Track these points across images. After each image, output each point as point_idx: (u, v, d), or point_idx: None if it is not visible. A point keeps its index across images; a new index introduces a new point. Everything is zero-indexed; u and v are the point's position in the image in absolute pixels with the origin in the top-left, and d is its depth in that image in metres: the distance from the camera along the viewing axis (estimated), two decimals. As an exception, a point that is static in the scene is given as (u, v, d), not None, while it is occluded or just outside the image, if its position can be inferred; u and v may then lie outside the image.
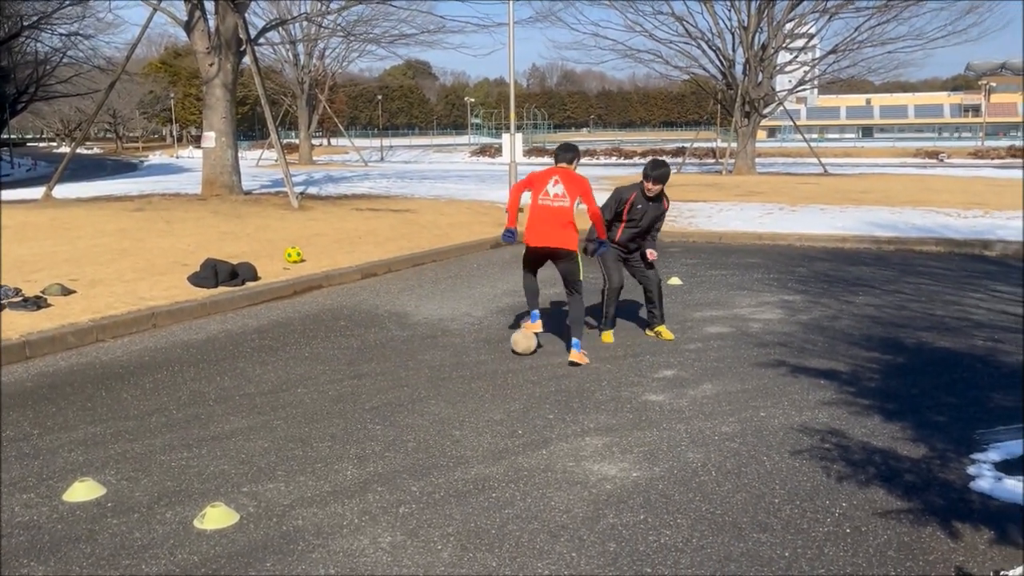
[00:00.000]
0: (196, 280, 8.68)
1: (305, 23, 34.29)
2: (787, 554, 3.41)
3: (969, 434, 4.69)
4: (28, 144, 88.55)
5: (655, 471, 4.24)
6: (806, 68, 33.02)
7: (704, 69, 31.57)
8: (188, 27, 18.22)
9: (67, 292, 8.03)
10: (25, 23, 29.13)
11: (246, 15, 18.73)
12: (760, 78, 29.88)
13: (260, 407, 5.24)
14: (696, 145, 42.41)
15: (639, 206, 6.76)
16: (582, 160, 6.79)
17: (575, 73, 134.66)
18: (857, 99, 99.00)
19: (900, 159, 42.69)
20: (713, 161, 39.85)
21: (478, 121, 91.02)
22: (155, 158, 57.59)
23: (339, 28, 30.37)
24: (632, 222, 6.81)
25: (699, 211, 16.46)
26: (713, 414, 5.08)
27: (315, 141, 54.49)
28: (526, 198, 6.48)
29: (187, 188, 22.09)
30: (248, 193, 19.72)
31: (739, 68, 30.39)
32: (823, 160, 33.14)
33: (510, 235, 6.61)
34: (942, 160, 41.11)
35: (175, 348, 6.75)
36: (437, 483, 4.10)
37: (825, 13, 29.72)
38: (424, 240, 12.43)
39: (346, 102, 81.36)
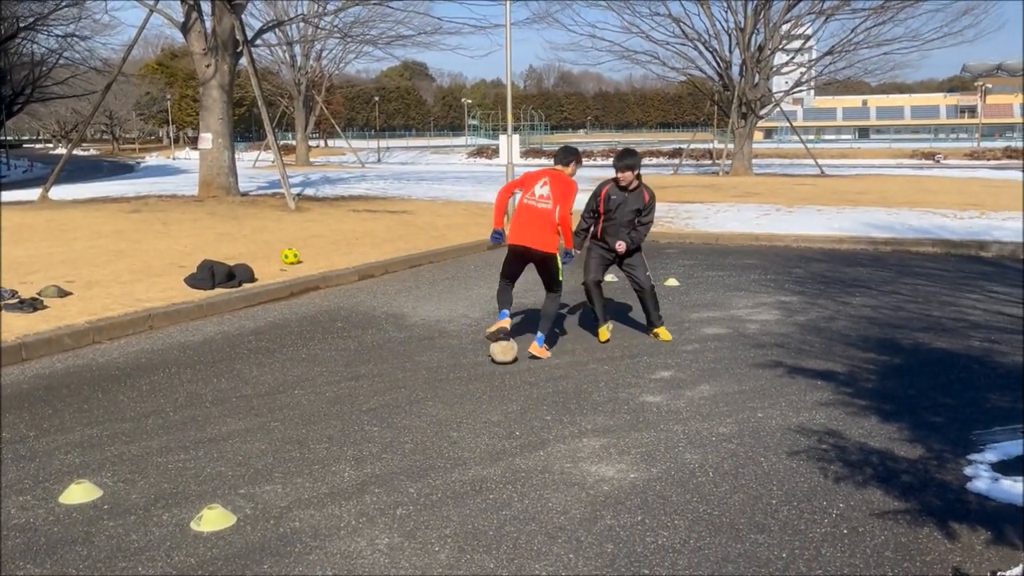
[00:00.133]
0: (193, 282, 8.67)
1: (302, 24, 34.31)
2: (784, 555, 3.41)
3: (966, 435, 4.69)
4: (24, 146, 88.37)
5: (652, 472, 4.24)
6: (802, 69, 33.10)
7: (701, 70, 31.64)
8: (185, 28, 18.20)
9: (63, 294, 8.02)
10: (21, 24, 29.07)
11: (243, 16, 18.72)
12: (757, 79, 29.94)
13: (257, 409, 5.23)
14: (693, 146, 42.46)
15: (613, 197, 6.79)
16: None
17: (572, 74, 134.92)
18: (853, 100, 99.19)
19: (896, 160, 42.81)
20: (710, 162, 39.93)
21: (475, 122, 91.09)
22: (151, 159, 57.57)
23: (336, 29, 30.36)
24: (608, 214, 6.82)
25: (696, 212, 16.48)
26: (710, 415, 5.08)
27: (312, 142, 54.44)
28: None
29: (184, 189, 22.07)
30: (245, 194, 19.69)
31: (736, 69, 30.46)
32: (820, 161, 33.23)
33: (497, 236, 6.63)
34: (938, 161, 41.22)
35: (172, 350, 6.74)
36: (435, 484, 4.09)
37: (821, 14, 29.79)
38: (421, 241, 12.43)
39: (343, 103, 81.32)
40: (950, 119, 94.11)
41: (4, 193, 20.67)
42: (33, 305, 7.45)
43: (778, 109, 32.95)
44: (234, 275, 8.85)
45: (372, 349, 6.70)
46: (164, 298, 8.09)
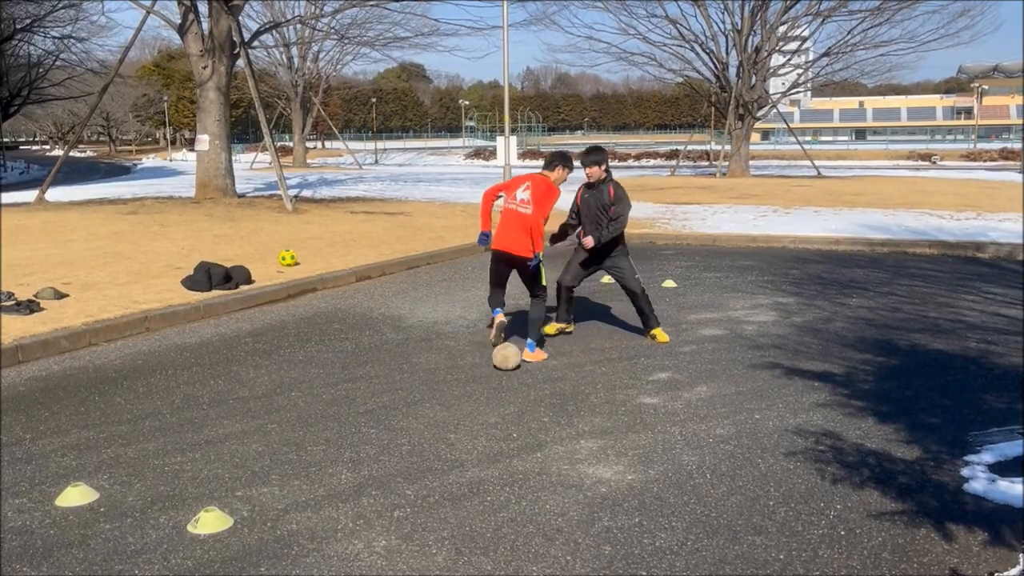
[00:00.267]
0: (190, 283, 8.66)
1: (299, 26, 34.30)
2: (782, 556, 3.41)
3: (963, 436, 4.70)
4: (21, 147, 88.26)
5: (650, 474, 4.24)
6: (799, 71, 33.12)
7: (698, 72, 31.63)
8: (181, 30, 18.19)
9: (60, 296, 8.00)
10: (18, 26, 29.05)
11: (240, 18, 18.70)
12: (753, 81, 29.96)
13: (254, 411, 5.23)
14: (690, 148, 42.48)
15: (586, 195, 6.90)
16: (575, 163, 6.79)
17: (569, 76, 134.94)
18: (850, 102, 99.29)
19: (893, 161, 42.84)
20: (707, 164, 39.93)
21: (472, 124, 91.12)
22: (148, 161, 57.50)
23: (333, 31, 30.38)
24: (585, 213, 6.91)
25: (693, 213, 16.49)
26: (708, 417, 5.09)
27: (309, 144, 54.40)
28: None
29: (181, 191, 22.03)
30: (242, 196, 19.67)
31: (733, 71, 30.46)
32: (816, 162, 33.23)
33: (484, 238, 6.64)
34: (935, 162, 41.28)
35: (169, 352, 6.73)
36: (432, 487, 4.09)
37: (818, 16, 29.79)
38: (418, 243, 12.42)
39: (340, 105, 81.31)
40: (946, 120, 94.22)
41: (1, 195, 20.64)
42: (30, 307, 7.44)
43: (775, 111, 32.94)
44: (231, 277, 8.84)
45: (369, 351, 6.70)
46: (161, 300, 8.08)
